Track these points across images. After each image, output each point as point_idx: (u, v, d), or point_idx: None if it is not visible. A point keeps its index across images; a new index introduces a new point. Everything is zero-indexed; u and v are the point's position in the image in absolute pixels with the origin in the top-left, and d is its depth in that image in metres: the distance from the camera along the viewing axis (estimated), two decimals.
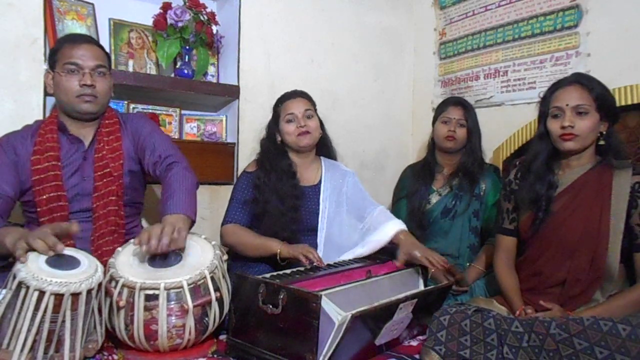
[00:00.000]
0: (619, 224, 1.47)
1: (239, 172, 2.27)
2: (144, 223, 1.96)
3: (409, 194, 2.21)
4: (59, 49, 1.60)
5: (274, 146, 1.99)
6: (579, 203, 1.54)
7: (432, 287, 1.68)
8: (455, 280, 1.91)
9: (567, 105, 1.53)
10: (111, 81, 1.67)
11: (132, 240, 1.49)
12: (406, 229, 1.83)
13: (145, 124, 1.74)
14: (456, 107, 2.16)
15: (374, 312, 1.33)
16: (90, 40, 1.66)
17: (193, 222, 1.52)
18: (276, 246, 1.75)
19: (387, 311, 1.39)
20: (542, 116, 1.63)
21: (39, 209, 1.53)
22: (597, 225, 1.49)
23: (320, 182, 2.00)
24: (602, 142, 1.57)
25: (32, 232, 1.31)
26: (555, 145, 1.59)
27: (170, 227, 1.38)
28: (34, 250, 1.26)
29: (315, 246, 1.89)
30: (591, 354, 1.18)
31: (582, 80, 1.56)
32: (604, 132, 1.56)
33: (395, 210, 2.29)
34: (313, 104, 2.03)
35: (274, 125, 2.01)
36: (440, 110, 2.22)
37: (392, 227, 1.80)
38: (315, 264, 1.64)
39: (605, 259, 1.47)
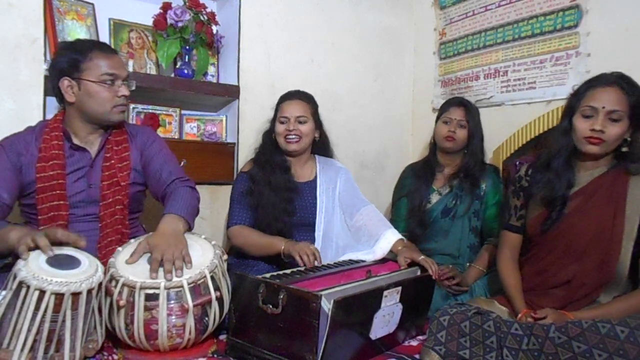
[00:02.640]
0: (632, 230, 1.44)
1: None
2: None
3: (410, 193, 2.21)
4: (87, 58, 1.55)
5: (270, 141, 2.02)
6: (592, 206, 1.50)
7: (414, 275, 1.68)
8: (455, 283, 1.94)
9: (603, 107, 1.45)
10: None
11: (131, 240, 1.50)
12: (403, 238, 1.86)
13: (155, 141, 1.74)
14: (458, 107, 2.15)
15: (358, 298, 1.34)
16: (115, 50, 1.68)
17: (190, 228, 1.55)
18: (280, 244, 1.76)
19: (373, 299, 1.39)
20: (569, 111, 1.55)
21: (40, 217, 1.54)
22: (610, 229, 1.46)
23: (315, 177, 2.02)
24: (625, 149, 1.50)
25: (39, 232, 1.31)
26: (576, 144, 1.53)
27: (179, 244, 1.40)
28: (37, 248, 1.27)
29: (312, 242, 1.90)
30: (590, 357, 1.18)
31: (622, 84, 1.47)
32: (628, 139, 1.49)
33: (395, 209, 2.29)
34: (312, 106, 2.03)
35: (272, 123, 2.04)
36: (442, 110, 2.22)
37: (392, 237, 1.83)
38: (308, 266, 1.64)
39: (615, 264, 1.44)
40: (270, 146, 2.01)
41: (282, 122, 1.97)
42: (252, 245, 1.85)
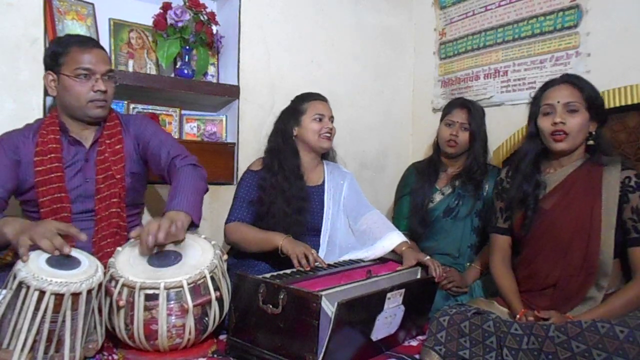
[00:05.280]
0: (610, 219, 1.48)
1: (239, 172, 2.27)
2: (144, 223, 1.96)
3: (413, 191, 2.21)
4: (65, 52, 1.57)
5: (286, 143, 1.97)
6: (571, 200, 1.55)
7: (416, 277, 1.69)
8: (454, 286, 1.95)
9: (558, 102, 1.55)
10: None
11: (131, 240, 1.49)
12: (407, 240, 1.85)
13: (148, 125, 1.74)
14: (461, 110, 2.14)
15: (362, 301, 1.34)
16: (97, 44, 1.67)
17: (194, 223, 1.52)
18: (279, 239, 1.75)
19: (376, 301, 1.39)
20: (533, 116, 1.66)
21: (42, 210, 1.53)
22: (589, 221, 1.50)
23: (323, 182, 2.02)
24: (591, 142, 1.59)
25: (37, 229, 1.29)
26: (546, 145, 1.61)
27: (167, 222, 1.37)
28: (37, 247, 1.26)
29: (317, 246, 1.90)
30: (589, 356, 1.18)
31: (572, 80, 1.59)
32: (593, 133, 1.58)
33: (397, 207, 2.29)
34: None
35: (291, 120, 1.99)
36: (445, 111, 2.21)
37: (397, 238, 1.83)
38: (306, 268, 1.63)
39: (598, 255, 1.48)
40: (286, 149, 1.95)
41: (317, 120, 1.96)
42: (249, 240, 1.82)
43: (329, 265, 1.73)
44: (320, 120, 1.96)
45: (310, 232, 1.93)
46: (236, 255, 1.93)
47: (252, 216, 1.91)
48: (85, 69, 1.56)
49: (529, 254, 1.62)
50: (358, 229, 1.94)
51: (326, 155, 2.12)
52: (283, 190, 1.88)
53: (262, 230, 1.85)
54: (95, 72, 1.58)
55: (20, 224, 1.35)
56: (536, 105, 1.64)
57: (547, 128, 1.57)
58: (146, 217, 2.01)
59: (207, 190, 1.65)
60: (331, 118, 2.01)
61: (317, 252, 1.87)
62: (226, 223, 1.90)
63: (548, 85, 1.63)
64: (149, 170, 1.76)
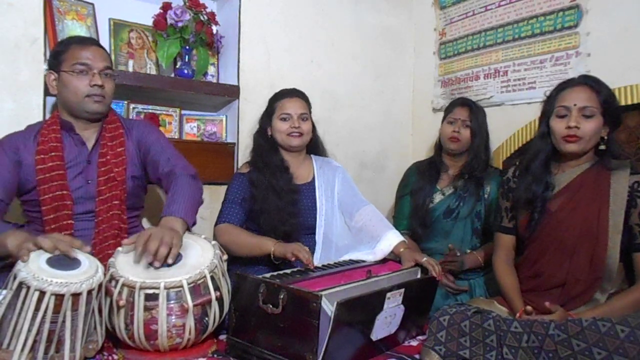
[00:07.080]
0: (617, 223, 1.47)
1: None
2: (145, 223, 1.97)
3: (413, 191, 2.21)
4: (65, 50, 1.60)
5: (265, 141, 2.00)
6: (577, 202, 1.54)
7: (416, 277, 1.68)
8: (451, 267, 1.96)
9: (574, 105, 1.52)
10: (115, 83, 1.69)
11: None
12: (404, 240, 1.84)
13: (152, 131, 1.75)
14: (462, 107, 2.15)
15: (361, 300, 1.34)
16: (97, 42, 1.69)
17: (189, 227, 1.54)
18: (270, 245, 1.72)
19: (376, 300, 1.39)
20: (545, 115, 1.62)
21: (43, 208, 1.53)
22: (596, 224, 1.49)
23: (313, 179, 2.01)
24: (602, 147, 1.56)
25: (41, 236, 1.30)
26: (556, 145, 1.59)
27: (168, 237, 1.36)
28: (40, 248, 1.27)
29: (313, 245, 1.89)
30: (589, 355, 1.17)
31: (590, 82, 1.55)
32: (605, 137, 1.55)
33: (398, 206, 2.29)
34: (309, 105, 2.05)
35: (266, 120, 2.03)
36: (447, 110, 2.22)
37: (394, 238, 1.81)
38: (304, 265, 1.62)
39: (604, 259, 1.47)
40: (266, 146, 1.99)
41: (284, 120, 1.96)
42: (240, 244, 1.78)
43: (329, 265, 1.72)
44: (286, 119, 1.96)
45: (304, 231, 1.91)
46: (234, 257, 1.91)
47: (242, 217, 1.90)
48: (82, 63, 1.58)
49: (533, 254, 1.61)
50: (354, 225, 1.93)
51: (315, 150, 2.11)
52: (272, 185, 1.88)
53: (253, 234, 1.83)
54: (92, 68, 1.59)
55: (25, 236, 1.33)
56: (550, 105, 1.60)
57: (560, 131, 1.54)
58: (146, 218, 2.01)
59: (202, 202, 1.66)
60: (302, 115, 1.97)
61: (313, 251, 1.87)
62: (215, 225, 1.89)
63: (564, 86, 1.59)
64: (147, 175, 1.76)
